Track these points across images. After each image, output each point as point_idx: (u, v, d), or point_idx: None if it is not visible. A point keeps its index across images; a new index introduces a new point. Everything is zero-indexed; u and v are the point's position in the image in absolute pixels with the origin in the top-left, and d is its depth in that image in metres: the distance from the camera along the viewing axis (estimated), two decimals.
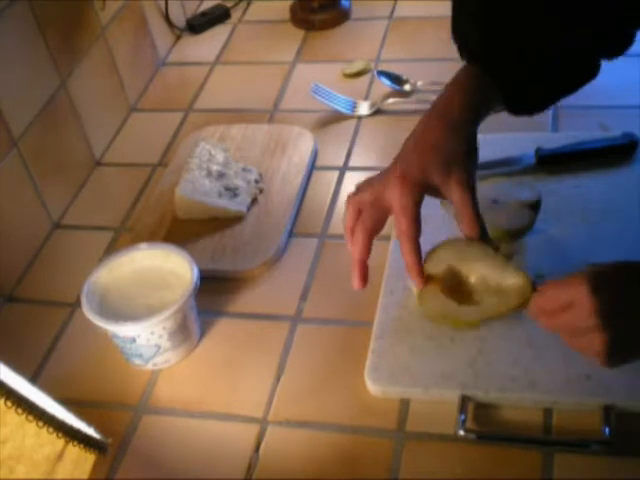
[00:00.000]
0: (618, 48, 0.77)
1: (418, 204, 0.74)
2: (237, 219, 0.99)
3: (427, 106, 1.16)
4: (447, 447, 0.74)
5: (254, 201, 1.01)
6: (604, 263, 0.67)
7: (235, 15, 1.43)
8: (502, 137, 1.02)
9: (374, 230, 0.77)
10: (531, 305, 0.70)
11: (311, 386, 0.82)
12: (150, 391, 0.84)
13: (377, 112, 1.14)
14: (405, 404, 0.78)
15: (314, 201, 1.03)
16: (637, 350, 0.66)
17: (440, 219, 0.91)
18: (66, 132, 1.09)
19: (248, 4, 1.45)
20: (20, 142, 0.99)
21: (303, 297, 0.91)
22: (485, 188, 0.91)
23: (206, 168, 1.02)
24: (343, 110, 1.15)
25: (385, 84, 1.18)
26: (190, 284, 0.83)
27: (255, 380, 0.83)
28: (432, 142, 0.76)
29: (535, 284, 0.71)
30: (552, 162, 0.98)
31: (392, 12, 1.35)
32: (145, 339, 0.81)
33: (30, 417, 0.54)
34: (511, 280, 0.73)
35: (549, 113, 1.05)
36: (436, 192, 0.76)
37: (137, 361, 0.85)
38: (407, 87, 1.17)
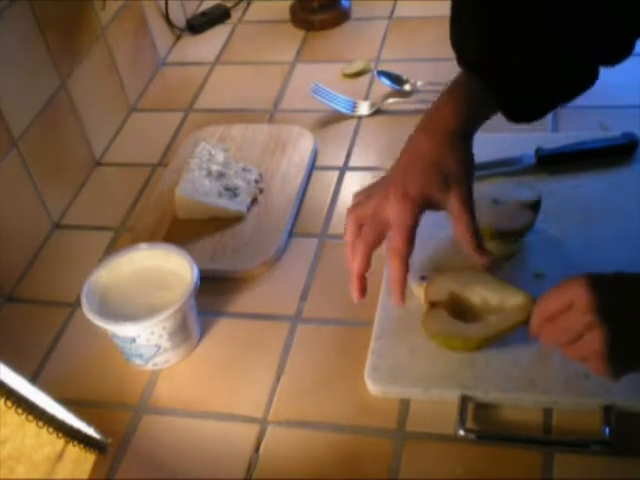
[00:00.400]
0: (617, 56, 0.77)
1: (417, 224, 0.76)
2: (237, 219, 0.99)
3: (427, 106, 1.16)
4: (447, 447, 0.74)
5: (254, 201, 1.01)
6: (604, 272, 0.67)
7: (235, 15, 1.43)
8: (502, 137, 1.02)
9: (375, 244, 0.78)
10: (533, 314, 0.70)
11: (311, 386, 0.82)
12: (150, 391, 0.84)
13: (377, 112, 1.14)
14: (405, 404, 0.78)
15: (314, 201, 1.03)
16: (636, 355, 0.66)
17: (440, 218, 0.91)
18: (66, 132, 1.09)
19: (248, 4, 1.45)
20: (20, 142, 0.99)
21: (303, 297, 0.91)
22: (485, 188, 0.91)
23: (206, 168, 1.02)
24: (343, 110, 1.15)
25: (385, 84, 1.18)
26: (190, 284, 0.83)
27: (255, 380, 0.83)
28: (431, 159, 0.77)
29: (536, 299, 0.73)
30: (552, 162, 0.97)
31: (392, 12, 1.35)
32: (145, 339, 0.81)
33: (30, 417, 0.54)
34: (513, 299, 0.76)
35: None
36: (435, 207, 0.78)
37: (137, 361, 0.85)
38: (407, 87, 1.17)
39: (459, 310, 0.77)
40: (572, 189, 0.94)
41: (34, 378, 0.86)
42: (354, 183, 1.04)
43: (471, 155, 0.80)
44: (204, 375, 0.85)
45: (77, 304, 0.91)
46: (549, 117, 1.06)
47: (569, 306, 0.65)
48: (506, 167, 0.98)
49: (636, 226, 0.88)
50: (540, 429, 0.74)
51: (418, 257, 0.88)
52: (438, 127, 0.78)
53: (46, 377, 0.87)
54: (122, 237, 1.02)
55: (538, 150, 0.97)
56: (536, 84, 0.77)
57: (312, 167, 1.07)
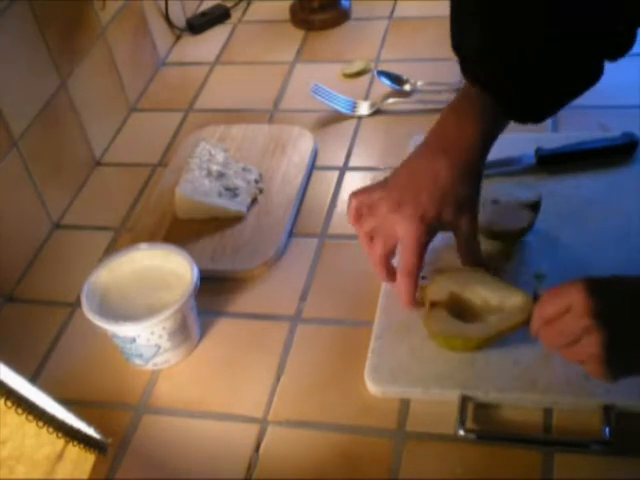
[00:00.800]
0: (621, 48, 0.77)
1: (428, 244, 0.78)
2: (237, 219, 0.99)
3: (427, 106, 1.17)
4: (447, 447, 0.74)
5: (254, 201, 1.01)
6: (602, 276, 0.67)
7: (235, 15, 1.43)
8: (502, 137, 1.02)
9: (388, 256, 0.81)
10: (533, 316, 0.70)
11: (311, 386, 0.82)
12: (150, 391, 0.84)
13: (377, 112, 1.14)
14: (405, 404, 0.78)
15: (314, 201, 1.03)
16: (634, 359, 0.66)
17: None
18: (66, 132, 1.09)
19: (248, 4, 1.45)
20: (20, 142, 0.99)
21: (303, 297, 0.91)
22: (485, 188, 0.91)
23: (206, 168, 1.02)
24: (343, 110, 1.15)
25: (385, 84, 1.18)
26: (190, 284, 0.83)
27: (255, 380, 0.83)
28: (449, 183, 0.77)
29: (536, 297, 0.73)
30: (552, 162, 0.97)
31: (392, 12, 1.35)
32: (145, 339, 0.81)
33: (30, 417, 0.54)
34: (512, 299, 0.76)
35: None
36: (444, 229, 0.79)
37: (137, 361, 0.85)
38: (407, 87, 1.17)
39: (459, 310, 0.78)
40: (572, 189, 0.94)
41: (34, 378, 0.86)
42: (354, 183, 1.04)
43: (481, 181, 0.81)
44: (204, 375, 0.85)
45: (77, 304, 0.91)
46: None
47: (567, 309, 0.65)
48: (506, 167, 0.98)
49: (636, 226, 0.88)
50: (540, 429, 0.74)
51: None
52: (459, 150, 0.78)
53: (46, 377, 0.87)
54: (122, 237, 1.02)
55: (538, 150, 0.97)
56: (541, 82, 0.77)
57: (312, 167, 1.07)
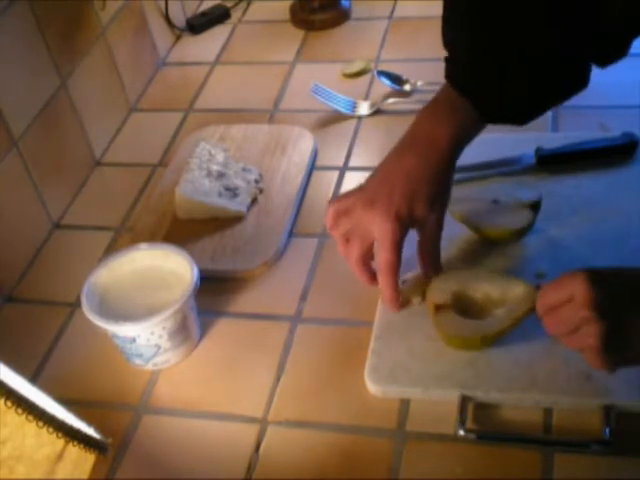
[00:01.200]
0: (612, 55, 0.77)
1: (403, 240, 0.78)
2: (237, 219, 0.99)
3: None
4: (447, 447, 0.74)
5: (254, 201, 1.01)
6: (603, 267, 0.68)
7: (235, 15, 1.43)
8: (502, 137, 1.02)
9: (365, 257, 0.81)
10: (537, 304, 0.71)
11: (311, 386, 0.82)
12: (150, 391, 0.84)
13: (377, 112, 1.14)
14: (405, 404, 0.78)
15: (314, 201, 1.03)
16: (632, 350, 0.67)
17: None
18: (66, 132, 1.09)
19: (248, 4, 1.45)
20: (20, 142, 0.99)
21: (303, 297, 0.91)
22: (485, 188, 0.91)
23: (206, 168, 1.02)
24: (343, 110, 1.15)
25: (385, 84, 1.18)
26: (190, 284, 0.83)
27: (255, 380, 0.83)
28: (422, 180, 0.78)
29: (538, 286, 0.74)
30: (552, 162, 0.97)
31: (392, 12, 1.35)
32: (145, 339, 0.81)
33: (30, 417, 0.54)
34: (515, 290, 0.77)
35: (549, 113, 1.05)
36: (414, 226, 0.80)
37: (137, 361, 0.85)
38: (407, 87, 1.17)
39: (463, 309, 0.78)
40: (572, 189, 0.94)
41: (34, 378, 0.86)
42: (354, 183, 1.04)
43: (452, 176, 0.82)
44: (204, 375, 0.85)
45: (77, 304, 0.91)
46: (549, 117, 1.06)
47: (569, 299, 0.66)
48: (506, 167, 0.98)
49: (636, 226, 0.88)
50: (540, 429, 0.74)
51: (415, 258, 0.88)
52: (431, 149, 0.79)
53: (46, 377, 0.87)
54: (122, 237, 1.02)
55: (538, 150, 0.97)
56: (527, 85, 0.77)
57: (312, 167, 1.07)
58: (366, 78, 1.22)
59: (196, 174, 1.01)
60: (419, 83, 1.17)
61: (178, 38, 1.39)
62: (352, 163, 1.07)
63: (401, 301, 0.83)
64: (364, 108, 1.15)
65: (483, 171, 0.98)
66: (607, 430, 0.71)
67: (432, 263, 0.83)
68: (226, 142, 1.11)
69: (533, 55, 0.75)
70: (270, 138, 1.11)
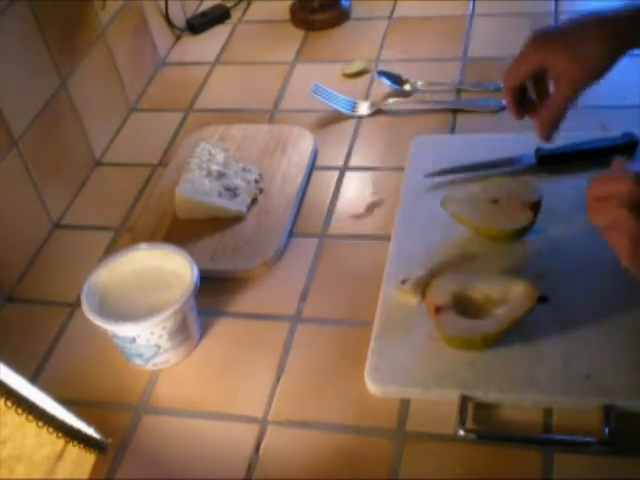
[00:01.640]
0: None
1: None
2: (237, 219, 0.99)
3: (427, 106, 1.17)
4: (447, 447, 0.74)
5: (254, 201, 1.01)
6: None
7: (235, 15, 1.43)
8: (502, 137, 1.02)
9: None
10: (587, 193, 0.73)
11: (311, 386, 0.82)
12: (150, 391, 0.84)
13: (377, 112, 1.14)
14: (405, 404, 0.78)
15: (314, 201, 1.03)
16: None
17: (439, 219, 0.91)
18: (66, 132, 1.09)
19: (248, 4, 1.45)
20: (20, 142, 0.99)
21: (303, 297, 0.91)
22: (485, 188, 0.91)
23: (206, 168, 1.02)
24: (343, 110, 1.15)
25: (385, 84, 1.18)
26: (190, 284, 0.83)
27: (255, 380, 0.83)
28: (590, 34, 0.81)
29: (541, 298, 0.76)
30: (552, 162, 0.97)
31: (392, 12, 1.35)
32: (145, 339, 0.81)
33: (30, 417, 0.54)
34: (515, 289, 0.78)
35: None
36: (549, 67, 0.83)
37: (137, 361, 0.85)
38: (407, 87, 1.17)
39: (463, 309, 0.78)
40: (572, 189, 0.94)
41: (34, 378, 0.86)
42: (354, 183, 1.04)
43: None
44: (204, 375, 0.85)
45: (77, 304, 0.91)
46: None
47: (614, 194, 0.69)
48: (506, 167, 0.98)
49: None
50: (540, 429, 0.74)
51: (416, 258, 0.88)
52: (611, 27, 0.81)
53: (46, 377, 0.87)
54: (122, 237, 1.02)
55: (538, 150, 0.97)
56: None
57: (312, 167, 1.07)
58: (366, 78, 1.22)
59: (196, 174, 1.01)
60: (419, 83, 1.17)
61: (178, 38, 1.39)
62: (352, 163, 1.07)
63: (400, 301, 0.83)
64: (364, 108, 1.15)
65: (483, 171, 0.98)
66: (607, 430, 0.71)
67: (554, 126, 0.84)
68: (226, 142, 1.11)
69: None
70: (270, 138, 1.11)
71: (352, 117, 1.14)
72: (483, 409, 0.76)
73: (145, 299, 0.84)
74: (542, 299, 0.78)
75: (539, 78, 0.85)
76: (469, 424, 0.75)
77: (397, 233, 0.93)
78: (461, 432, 0.73)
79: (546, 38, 0.84)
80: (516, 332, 0.77)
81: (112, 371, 0.86)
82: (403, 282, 0.84)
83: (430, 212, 0.93)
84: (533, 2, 1.30)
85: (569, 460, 0.72)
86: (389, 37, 1.30)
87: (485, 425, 0.75)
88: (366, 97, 1.18)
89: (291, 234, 0.98)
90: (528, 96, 0.86)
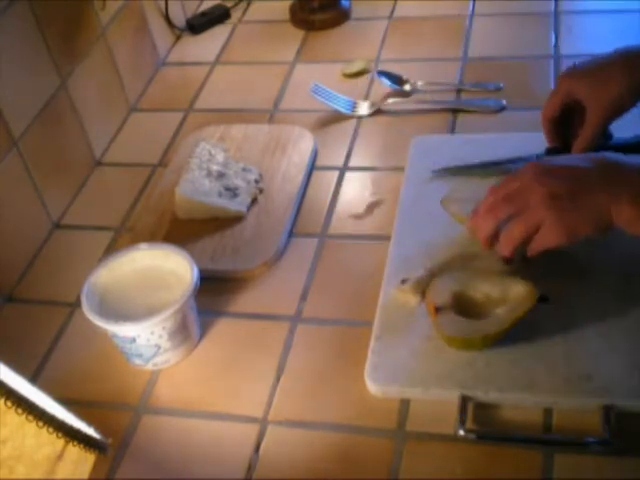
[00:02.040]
0: None
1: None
2: (237, 219, 0.99)
3: (427, 106, 1.17)
4: (447, 447, 0.74)
5: (254, 201, 1.01)
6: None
7: (235, 15, 1.43)
8: (502, 137, 1.02)
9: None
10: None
11: (311, 386, 0.82)
12: (150, 391, 0.84)
13: (377, 112, 1.14)
14: (405, 404, 0.78)
15: (314, 201, 1.03)
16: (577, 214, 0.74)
17: (439, 219, 0.91)
18: (66, 132, 1.09)
19: (248, 4, 1.45)
20: (20, 142, 0.99)
21: (303, 297, 0.91)
22: (486, 188, 0.91)
23: (206, 168, 1.02)
24: (343, 110, 1.15)
25: (385, 84, 1.18)
26: (190, 284, 0.83)
27: (255, 380, 0.83)
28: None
29: (541, 298, 0.76)
30: None
31: (392, 12, 1.35)
32: (145, 339, 0.81)
33: (30, 417, 0.54)
34: (515, 289, 0.78)
35: None
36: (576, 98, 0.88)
37: (137, 361, 0.85)
38: (407, 87, 1.17)
39: (462, 309, 0.78)
40: None
41: (34, 378, 0.86)
42: (354, 183, 1.04)
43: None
44: (204, 375, 0.85)
45: (77, 304, 0.91)
46: None
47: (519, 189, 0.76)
48: (507, 167, 0.98)
49: None
50: (540, 429, 0.74)
51: (416, 258, 0.88)
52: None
53: (46, 377, 0.87)
54: (122, 237, 1.02)
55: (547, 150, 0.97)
56: None
57: (312, 167, 1.07)
58: (366, 78, 1.22)
59: (196, 174, 1.01)
60: (419, 83, 1.17)
61: (178, 38, 1.39)
62: (352, 163, 1.07)
63: (400, 301, 0.83)
64: (364, 108, 1.15)
65: (483, 171, 0.98)
66: (607, 430, 0.71)
67: (586, 143, 0.89)
68: (226, 142, 1.11)
69: None
70: (270, 138, 1.11)
71: (352, 117, 1.14)
72: (483, 409, 0.76)
73: (145, 299, 0.84)
74: (542, 299, 0.78)
75: (573, 114, 0.89)
76: (469, 424, 0.75)
77: (397, 233, 0.93)
78: (461, 432, 0.73)
79: (576, 70, 0.88)
80: (516, 332, 0.77)
81: (112, 371, 0.86)
82: (403, 282, 0.84)
83: (430, 212, 0.93)
84: (533, 2, 1.30)
85: (569, 460, 0.72)
86: (389, 37, 1.30)
87: (485, 425, 0.75)
88: (366, 97, 1.18)
89: (291, 234, 0.98)
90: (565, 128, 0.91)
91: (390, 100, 1.16)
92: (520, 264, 0.81)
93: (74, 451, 0.58)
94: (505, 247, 0.78)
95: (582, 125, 0.88)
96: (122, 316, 0.82)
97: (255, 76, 1.28)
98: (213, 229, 0.98)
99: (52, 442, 0.56)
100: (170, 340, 0.83)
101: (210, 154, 1.05)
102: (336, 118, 1.15)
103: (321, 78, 1.19)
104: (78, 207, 1.08)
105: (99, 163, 1.15)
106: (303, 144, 1.09)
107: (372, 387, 0.79)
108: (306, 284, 0.92)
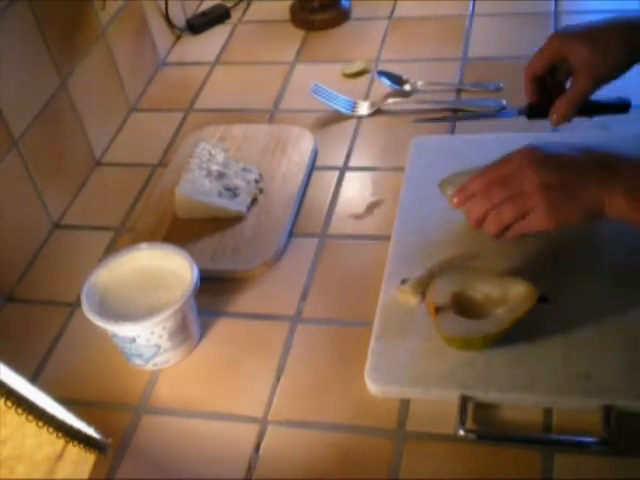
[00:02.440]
0: None
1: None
2: (237, 219, 0.99)
3: (427, 106, 1.17)
4: (447, 447, 0.74)
5: (254, 201, 1.01)
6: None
7: (235, 15, 1.43)
8: (502, 137, 1.02)
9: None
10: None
11: (311, 386, 0.82)
12: (150, 391, 0.84)
13: (377, 112, 1.14)
14: (405, 404, 0.78)
15: (314, 201, 1.03)
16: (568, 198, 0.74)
17: (439, 219, 0.91)
18: (66, 132, 1.09)
19: (248, 4, 1.45)
20: (20, 142, 0.99)
21: (303, 297, 0.91)
22: None
23: (206, 168, 1.02)
24: (343, 110, 1.15)
25: (385, 84, 1.18)
26: (190, 284, 0.83)
27: (255, 380, 0.83)
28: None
29: (541, 298, 0.76)
30: None
31: (392, 12, 1.35)
32: (145, 339, 0.81)
33: (30, 417, 0.54)
34: (515, 288, 0.78)
35: None
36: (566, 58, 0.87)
37: (137, 361, 0.85)
38: (407, 87, 1.17)
39: (462, 309, 0.78)
40: None
41: (34, 378, 0.86)
42: (354, 183, 1.04)
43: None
44: (204, 375, 0.85)
45: (77, 304, 0.91)
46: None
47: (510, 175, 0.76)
48: None
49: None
50: (540, 429, 0.74)
51: (416, 258, 0.88)
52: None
53: (46, 377, 0.87)
54: (122, 237, 1.02)
55: None
56: None
57: (312, 167, 1.07)
58: (366, 78, 1.22)
59: (196, 174, 1.01)
60: (419, 83, 1.17)
61: (178, 38, 1.39)
62: (352, 163, 1.07)
63: (400, 301, 0.83)
64: (364, 108, 1.15)
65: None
66: (607, 430, 0.71)
67: (570, 116, 0.89)
68: (226, 142, 1.11)
69: None
70: (270, 138, 1.11)
71: (352, 117, 1.14)
72: (483, 409, 0.76)
73: (145, 299, 0.84)
74: (542, 299, 0.78)
75: (555, 71, 0.87)
76: (469, 424, 0.75)
77: (397, 233, 0.93)
78: (461, 432, 0.73)
79: (570, 32, 0.86)
80: (516, 332, 0.77)
81: (112, 371, 0.86)
82: (403, 282, 0.84)
83: (430, 212, 0.93)
84: (533, 2, 1.30)
85: (569, 460, 0.72)
86: (389, 37, 1.30)
87: (485, 425, 0.75)
88: (366, 97, 1.18)
89: (291, 234, 0.98)
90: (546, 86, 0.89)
91: (390, 100, 1.16)
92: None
93: (74, 451, 0.58)
94: (492, 227, 0.79)
95: (564, 82, 0.87)
96: (122, 316, 0.82)
97: (255, 76, 1.28)
98: (213, 229, 0.98)
99: (52, 442, 0.56)
100: (170, 340, 0.83)
101: (210, 154, 1.05)
102: (336, 118, 1.15)
103: (321, 78, 1.19)
104: (78, 207, 1.08)
105: (99, 163, 1.15)
106: (303, 144, 1.09)
107: (372, 387, 0.79)
108: (306, 284, 0.92)
